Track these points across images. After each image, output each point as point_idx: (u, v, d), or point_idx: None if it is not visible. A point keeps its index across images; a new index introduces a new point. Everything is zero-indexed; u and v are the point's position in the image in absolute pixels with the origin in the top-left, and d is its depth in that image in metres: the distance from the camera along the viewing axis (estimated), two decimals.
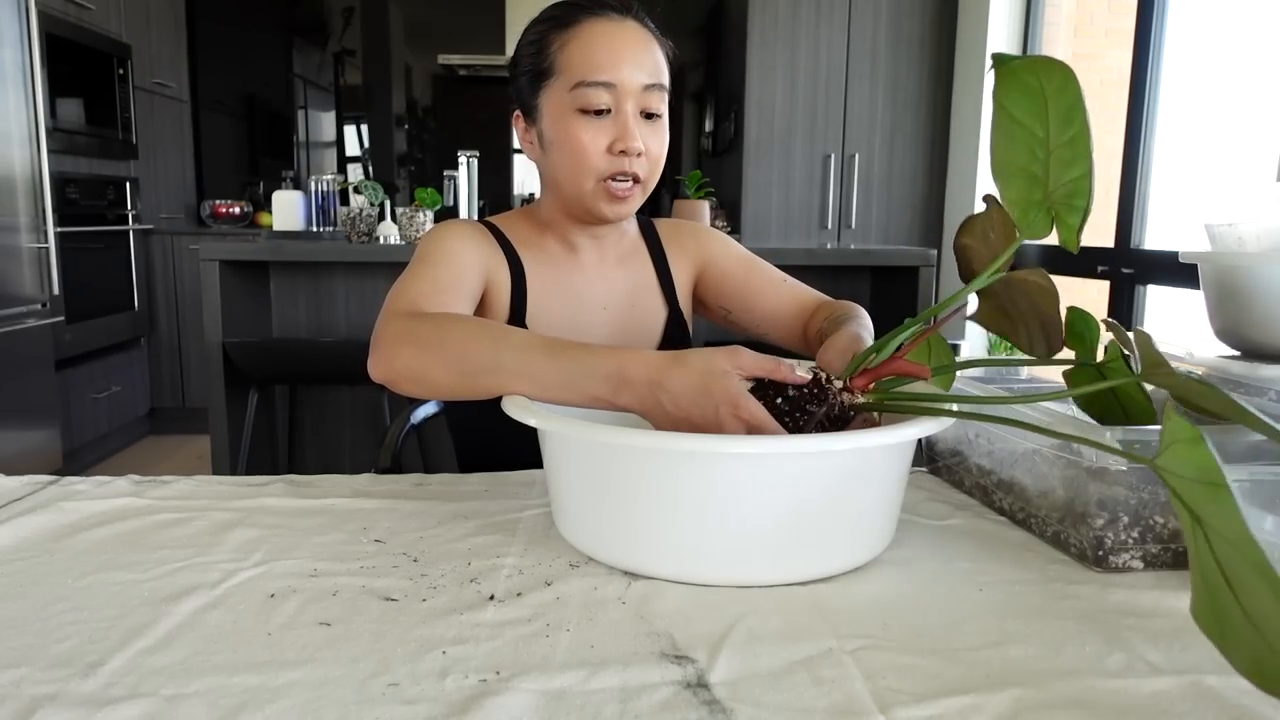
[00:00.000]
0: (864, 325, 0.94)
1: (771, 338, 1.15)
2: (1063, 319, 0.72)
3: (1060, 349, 0.73)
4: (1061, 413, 0.75)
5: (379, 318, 0.85)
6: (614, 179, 0.98)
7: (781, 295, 1.14)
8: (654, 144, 1.00)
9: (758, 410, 0.69)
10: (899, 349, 0.74)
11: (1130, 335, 0.67)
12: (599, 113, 0.97)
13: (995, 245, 0.73)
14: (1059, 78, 0.60)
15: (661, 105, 1.00)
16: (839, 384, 0.72)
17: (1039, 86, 0.61)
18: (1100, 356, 0.72)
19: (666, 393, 0.70)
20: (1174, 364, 0.61)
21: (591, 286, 1.10)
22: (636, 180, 0.99)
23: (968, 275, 0.75)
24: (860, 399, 0.72)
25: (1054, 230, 0.68)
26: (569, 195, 1.02)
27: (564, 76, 0.98)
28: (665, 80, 1.01)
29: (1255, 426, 0.54)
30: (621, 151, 0.97)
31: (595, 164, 0.98)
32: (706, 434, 0.69)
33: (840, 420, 0.72)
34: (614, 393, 0.72)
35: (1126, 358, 0.70)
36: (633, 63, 0.97)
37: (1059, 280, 0.67)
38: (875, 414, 0.75)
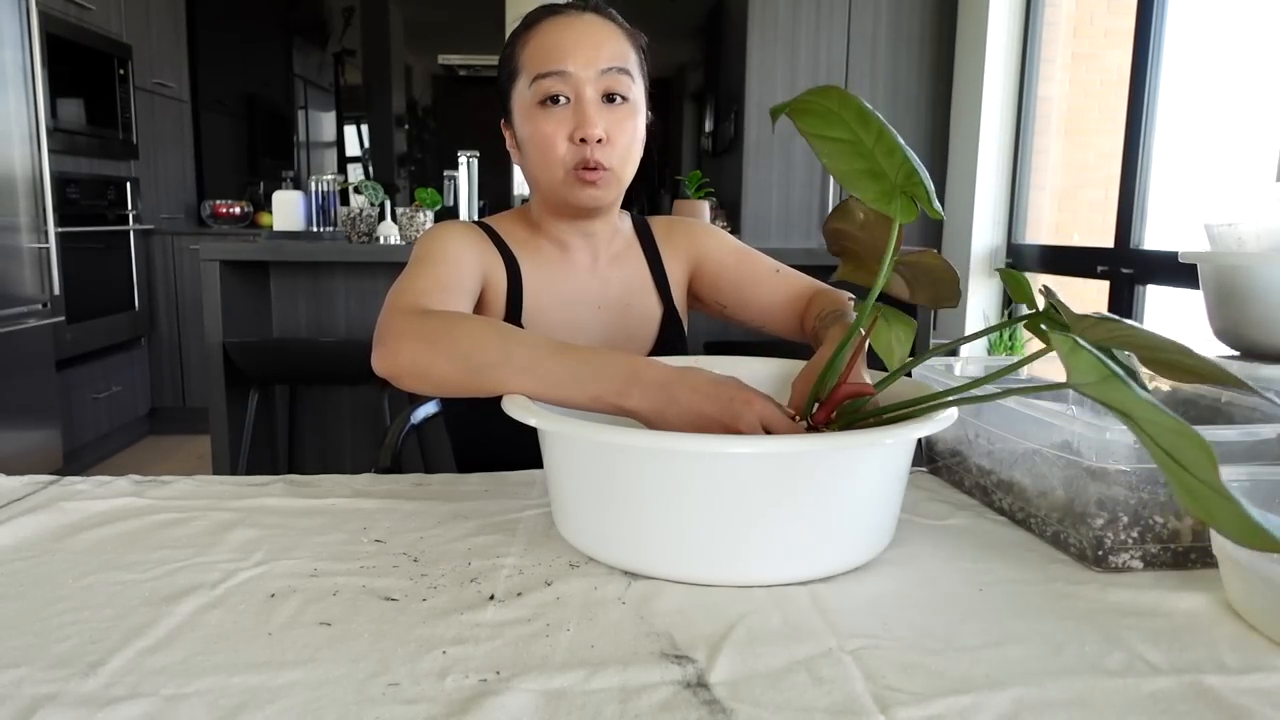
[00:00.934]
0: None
1: (768, 329, 1.16)
2: (959, 287, 0.79)
3: (956, 301, 0.79)
4: (1058, 410, 0.75)
5: (382, 314, 0.85)
6: (580, 169, 0.98)
7: (775, 286, 1.14)
8: (619, 131, 0.99)
9: (769, 403, 0.70)
10: (842, 374, 0.75)
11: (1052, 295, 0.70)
12: (558, 102, 0.97)
13: (874, 230, 0.78)
14: (836, 96, 0.65)
15: (626, 89, 0.99)
16: (803, 424, 0.74)
17: (825, 108, 0.65)
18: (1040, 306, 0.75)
19: (681, 386, 0.71)
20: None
21: (586, 286, 1.10)
22: (603, 168, 0.99)
23: (839, 253, 0.83)
24: (827, 431, 0.73)
25: (917, 208, 0.72)
26: (545, 190, 1.03)
27: (525, 73, 0.99)
28: (629, 65, 1.00)
29: (1184, 357, 0.58)
30: (582, 139, 0.97)
31: (559, 154, 0.98)
32: (718, 429, 0.70)
33: None
34: (621, 393, 0.73)
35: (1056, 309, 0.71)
36: (588, 49, 0.97)
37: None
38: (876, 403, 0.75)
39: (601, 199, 1.02)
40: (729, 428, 0.69)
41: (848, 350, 0.75)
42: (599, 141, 0.97)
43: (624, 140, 1.00)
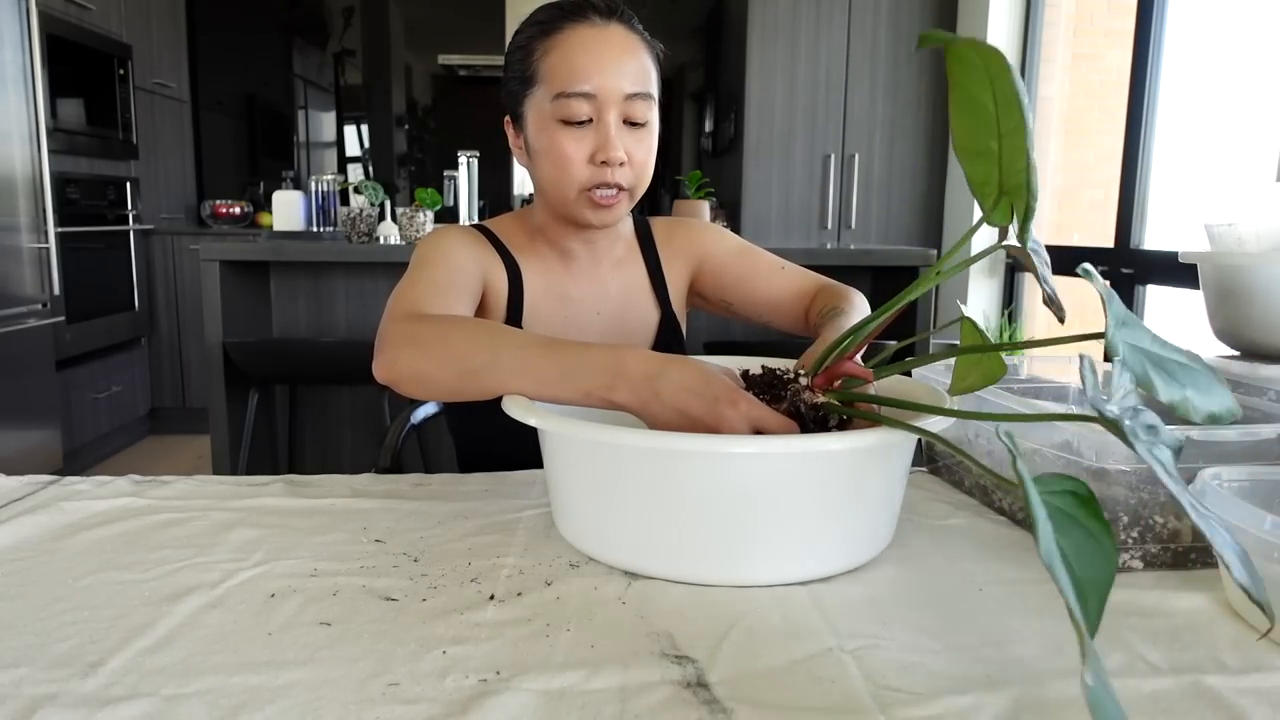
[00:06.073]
0: (856, 315, 0.95)
1: (774, 325, 1.16)
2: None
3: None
4: (1057, 411, 0.75)
5: (382, 321, 0.86)
6: (597, 188, 0.98)
7: (780, 282, 1.14)
8: (638, 152, 0.99)
9: (756, 402, 0.69)
10: (850, 350, 0.74)
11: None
12: (580, 123, 0.96)
13: None
14: (998, 62, 0.57)
15: (647, 113, 0.99)
16: (803, 382, 0.72)
17: (984, 67, 0.58)
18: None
19: (666, 382, 0.70)
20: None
21: (585, 290, 1.11)
22: (620, 189, 0.99)
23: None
24: (820, 399, 0.72)
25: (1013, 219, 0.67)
26: (555, 203, 1.02)
27: (546, 86, 0.97)
28: (651, 88, 0.99)
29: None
30: (603, 162, 0.96)
31: (577, 174, 0.97)
32: (704, 430, 0.69)
33: (820, 420, 0.72)
34: (609, 388, 0.72)
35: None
36: (615, 71, 0.96)
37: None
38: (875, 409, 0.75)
39: (613, 220, 1.02)
40: (712, 430, 0.68)
41: (871, 327, 0.73)
42: (620, 165, 0.97)
43: (641, 160, 0.99)
